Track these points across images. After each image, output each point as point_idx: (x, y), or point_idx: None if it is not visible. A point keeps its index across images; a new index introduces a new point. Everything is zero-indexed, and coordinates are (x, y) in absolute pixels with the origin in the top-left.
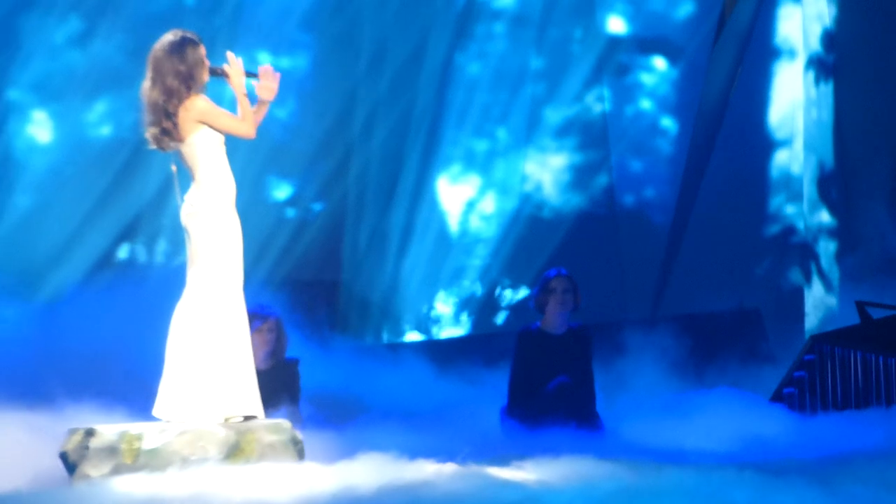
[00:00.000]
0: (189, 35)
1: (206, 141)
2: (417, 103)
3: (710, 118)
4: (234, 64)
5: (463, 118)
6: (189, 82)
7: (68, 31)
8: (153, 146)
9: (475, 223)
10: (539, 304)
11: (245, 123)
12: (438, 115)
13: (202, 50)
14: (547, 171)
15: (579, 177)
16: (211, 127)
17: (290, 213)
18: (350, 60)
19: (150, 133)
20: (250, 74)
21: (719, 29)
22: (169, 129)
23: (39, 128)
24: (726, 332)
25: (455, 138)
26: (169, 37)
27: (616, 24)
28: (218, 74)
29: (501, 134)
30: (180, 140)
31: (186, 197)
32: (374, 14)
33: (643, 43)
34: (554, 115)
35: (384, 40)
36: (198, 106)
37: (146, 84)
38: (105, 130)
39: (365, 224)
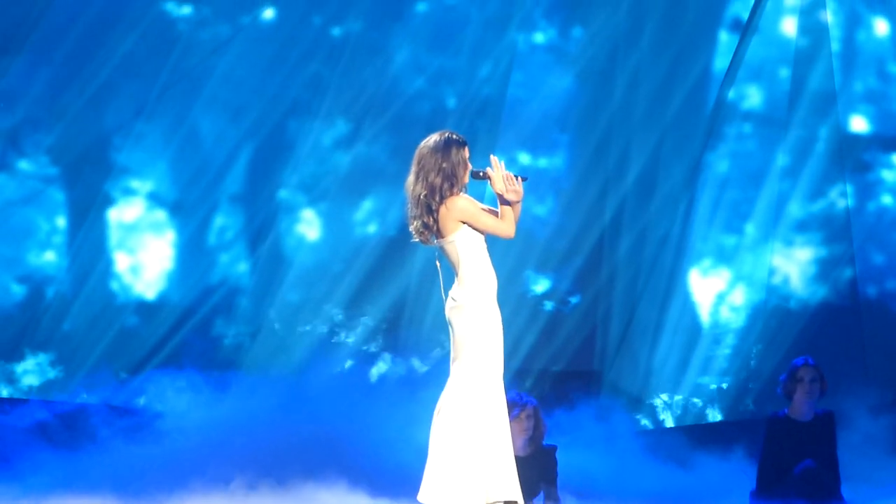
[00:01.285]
0: (455, 136)
1: (467, 239)
2: (668, 200)
3: None
4: (496, 167)
5: (713, 214)
6: (452, 181)
7: (335, 134)
8: (416, 239)
9: (725, 314)
10: (787, 392)
11: (505, 224)
12: (689, 212)
13: (466, 152)
14: (793, 264)
15: (824, 269)
16: (472, 226)
17: (548, 306)
18: (602, 159)
19: (413, 226)
20: (522, 179)
21: None
22: (430, 225)
23: (308, 226)
24: None
25: (706, 234)
26: (436, 136)
27: (858, 124)
28: (480, 178)
29: (750, 229)
30: (442, 237)
31: (450, 292)
32: (623, 115)
33: (884, 141)
34: (799, 211)
35: (631, 139)
36: (458, 205)
37: (410, 178)
38: (371, 228)
39: (619, 316)
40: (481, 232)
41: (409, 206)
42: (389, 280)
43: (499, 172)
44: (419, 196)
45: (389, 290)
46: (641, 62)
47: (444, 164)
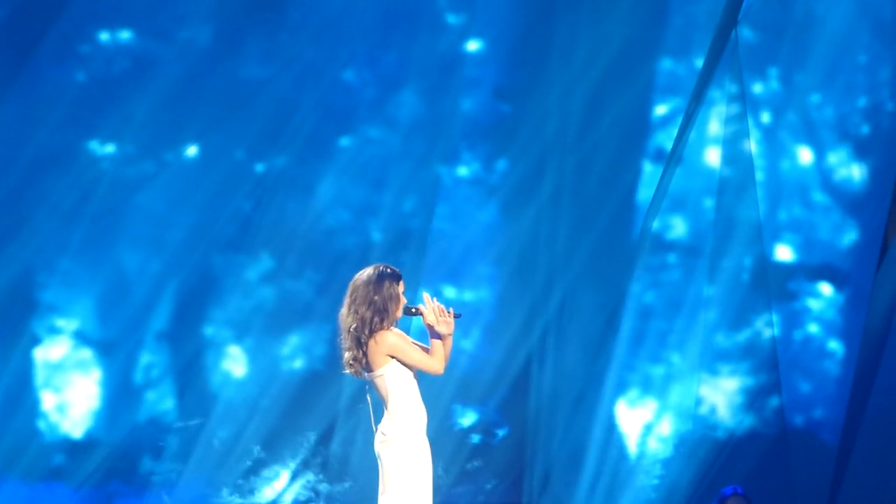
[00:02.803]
0: (389, 270)
1: (396, 374)
2: (593, 330)
3: (875, 340)
4: (428, 302)
5: (639, 344)
6: (382, 314)
7: (260, 268)
8: (347, 371)
9: (653, 445)
10: None
11: (434, 360)
12: (615, 342)
13: (400, 286)
14: (719, 393)
15: (750, 398)
16: (400, 361)
17: (475, 438)
18: (527, 290)
19: (344, 358)
20: (455, 316)
21: (882, 254)
22: (359, 358)
23: (234, 362)
24: None
25: (632, 364)
26: (370, 269)
27: (784, 253)
28: (413, 314)
29: (675, 359)
30: (371, 370)
31: (380, 426)
32: (548, 245)
33: (809, 269)
34: (725, 340)
35: (556, 269)
36: (388, 340)
37: (343, 310)
38: (297, 363)
39: (546, 448)
40: (410, 367)
41: (342, 337)
42: (316, 415)
43: (430, 305)
44: (349, 328)
45: (316, 424)
46: (564, 192)
47: (376, 297)
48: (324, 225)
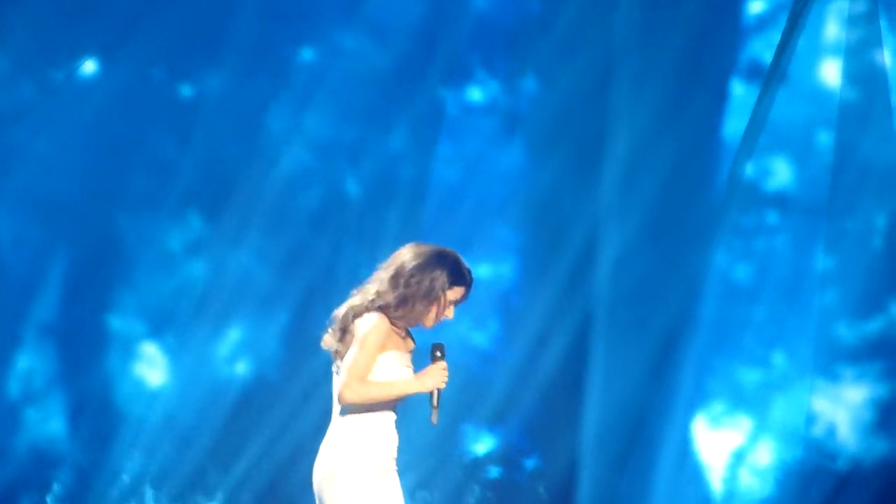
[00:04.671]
0: (459, 264)
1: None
2: (658, 320)
3: None
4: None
5: (726, 340)
6: (404, 303)
7: (187, 235)
8: (324, 346)
9: (746, 480)
10: None
11: (366, 385)
12: (692, 336)
13: (455, 294)
14: (841, 408)
15: (885, 415)
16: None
17: (494, 472)
18: (564, 262)
19: (326, 337)
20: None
21: None
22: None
23: (150, 367)
24: None
25: (716, 367)
26: (433, 246)
27: None
28: (436, 357)
29: (779, 360)
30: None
31: (322, 453)
32: (594, 200)
33: None
34: (850, 334)
35: (604, 234)
36: (372, 323)
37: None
38: (239, 368)
39: (594, 486)
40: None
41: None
42: (262, 439)
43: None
44: (361, 301)
45: (261, 454)
46: (616, 124)
47: (413, 280)
48: (277, 173)
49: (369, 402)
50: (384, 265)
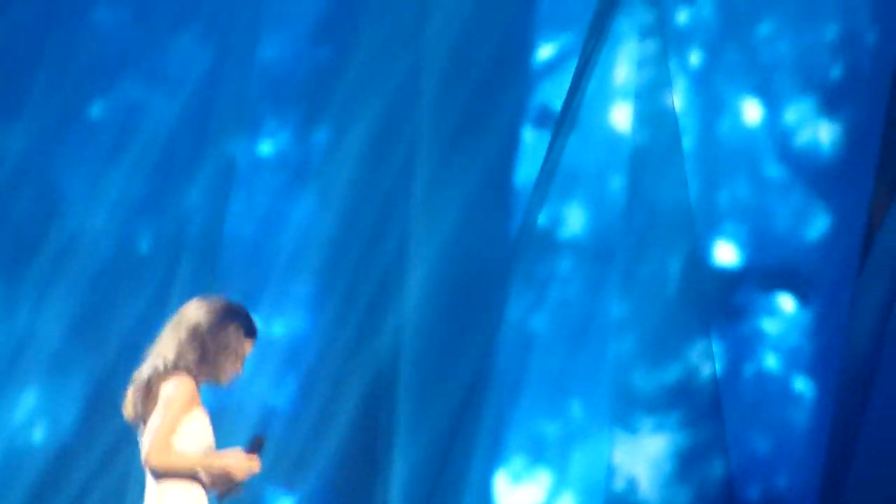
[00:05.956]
0: (245, 317)
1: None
2: (455, 372)
3: (858, 375)
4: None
5: (524, 392)
6: (203, 362)
7: None
8: (126, 414)
9: None
10: None
11: (165, 450)
12: (490, 389)
13: (248, 347)
14: (641, 460)
15: (685, 466)
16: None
17: None
18: (361, 315)
19: (128, 396)
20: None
21: (864, 251)
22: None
23: None
24: None
25: (516, 420)
26: (219, 300)
27: (725, 253)
28: (254, 447)
29: (577, 411)
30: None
31: None
32: (395, 255)
33: (763, 276)
34: (647, 382)
35: (396, 283)
36: (181, 386)
37: (161, 336)
38: (36, 434)
39: None
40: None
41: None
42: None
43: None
44: (158, 363)
45: None
46: (413, 174)
47: (208, 338)
48: (67, 230)
49: (174, 472)
50: (172, 323)
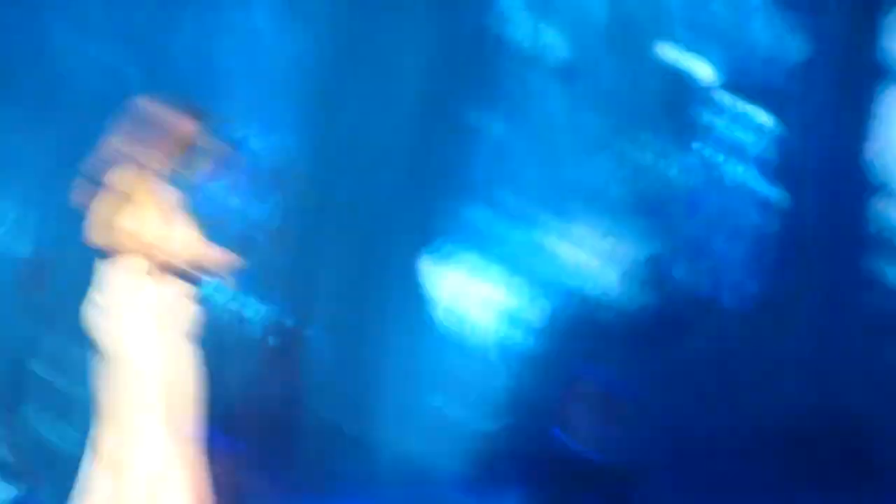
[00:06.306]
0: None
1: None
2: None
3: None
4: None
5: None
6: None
7: None
8: None
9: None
10: None
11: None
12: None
13: (190, 127)
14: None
15: (653, 270)
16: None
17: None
18: (337, 132)
19: None
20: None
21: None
22: None
23: None
24: None
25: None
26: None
27: (703, 70)
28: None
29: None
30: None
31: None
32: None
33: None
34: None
35: (371, 101)
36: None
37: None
38: None
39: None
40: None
41: None
42: None
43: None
44: None
45: None
46: None
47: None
48: (55, 60)
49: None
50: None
